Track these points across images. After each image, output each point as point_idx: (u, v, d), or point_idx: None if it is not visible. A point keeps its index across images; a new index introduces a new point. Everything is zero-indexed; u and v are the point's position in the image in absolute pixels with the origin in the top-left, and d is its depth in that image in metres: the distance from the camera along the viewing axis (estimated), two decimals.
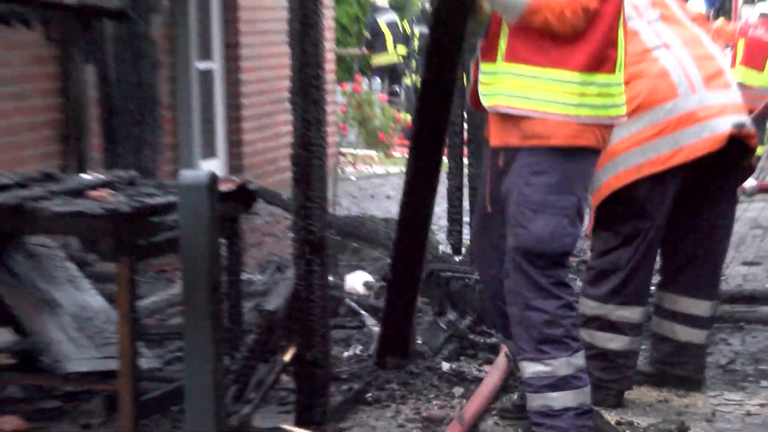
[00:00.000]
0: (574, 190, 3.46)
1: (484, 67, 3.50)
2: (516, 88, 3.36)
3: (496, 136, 3.46)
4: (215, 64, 10.31)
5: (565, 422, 3.43)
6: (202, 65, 9.93)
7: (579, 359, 3.48)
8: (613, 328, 4.30)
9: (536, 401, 3.47)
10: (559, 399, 3.42)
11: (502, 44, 3.40)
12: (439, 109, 4.05)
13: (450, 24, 3.63)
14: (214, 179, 3.57)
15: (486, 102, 3.49)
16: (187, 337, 3.60)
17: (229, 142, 10.52)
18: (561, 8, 3.27)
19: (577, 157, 3.40)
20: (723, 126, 4.10)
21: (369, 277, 6.34)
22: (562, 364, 3.39)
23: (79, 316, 4.49)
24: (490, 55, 3.45)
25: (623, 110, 3.54)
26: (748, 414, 4.22)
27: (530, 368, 3.45)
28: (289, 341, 4.13)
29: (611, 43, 3.42)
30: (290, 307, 4.06)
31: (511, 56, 3.36)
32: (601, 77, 3.36)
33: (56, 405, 4.50)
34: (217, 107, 10.36)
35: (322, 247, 4.07)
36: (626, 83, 3.95)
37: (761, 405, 4.30)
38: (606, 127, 3.48)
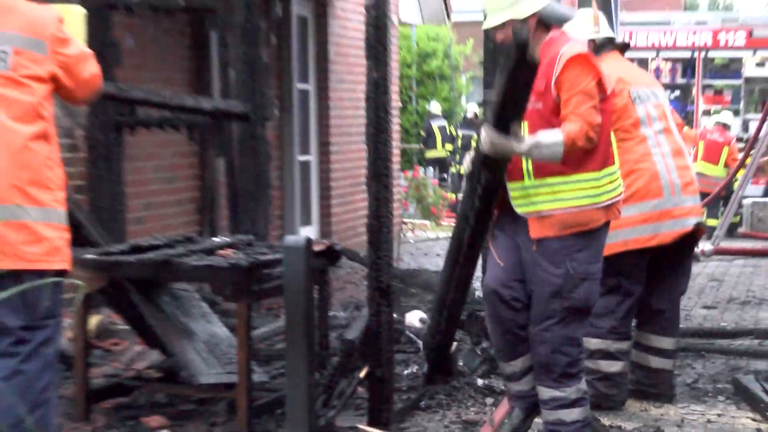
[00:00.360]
0: (600, 257, 3.48)
1: (512, 185, 3.42)
2: (550, 194, 3.34)
3: (535, 231, 3.38)
4: (312, 157, 10.20)
5: (573, 430, 3.46)
6: (302, 158, 9.88)
7: (584, 385, 3.48)
8: (612, 356, 4.40)
9: (551, 416, 3.46)
10: (570, 415, 3.42)
11: (528, 165, 3.36)
12: (487, 206, 3.96)
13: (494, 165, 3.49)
14: (309, 242, 3.61)
15: (522, 210, 3.40)
16: (288, 358, 3.65)
17: (321, 214, 10.28)
18: (585, 132, 3.27)
19: (602, 231, 3.44)
20: (689, 224, 4.41)
21: (423, 315, 6.21)
22: (574, 391, 3.39)
23: (209, 342, 4.49)
24: (516, 174, 3.38)
25: (622, 187, 3.57)
26: (709, 422, 4.34)
27: (548, 393, 3.43)
28: (364, 362, 4.03)
29: (610, 143, 3.44)
30: (365, 336, 3.99)
31: (540, 173, 3.33)
32: (608, 169, 3.37)
33: (191, 408, 4.46)
34: (313, 188, 10.26)
35: (389, 293, 4.03)
36: (628, 174, 4.18)
37: (719, 415, 4.42)
38: (618, 202, 3.49)
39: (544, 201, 3.36)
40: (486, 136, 3.29)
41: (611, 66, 4.42)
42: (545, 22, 3.52)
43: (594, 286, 3.43)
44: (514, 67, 2.99)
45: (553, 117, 3.30)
